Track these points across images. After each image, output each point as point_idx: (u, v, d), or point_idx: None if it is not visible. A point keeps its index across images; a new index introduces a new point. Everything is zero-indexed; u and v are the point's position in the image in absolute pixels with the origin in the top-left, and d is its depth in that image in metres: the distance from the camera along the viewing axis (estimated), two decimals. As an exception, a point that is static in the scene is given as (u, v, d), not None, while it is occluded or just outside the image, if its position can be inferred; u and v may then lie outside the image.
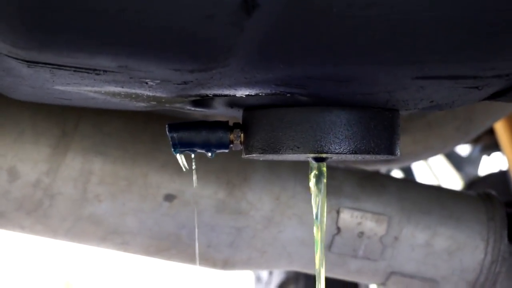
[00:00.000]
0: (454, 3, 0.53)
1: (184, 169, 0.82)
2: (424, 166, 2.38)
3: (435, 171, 2.41)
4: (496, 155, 2.30)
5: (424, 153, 1.45)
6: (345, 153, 0.68)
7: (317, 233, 0.81)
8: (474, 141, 2.12)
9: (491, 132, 1.91)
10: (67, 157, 0.90)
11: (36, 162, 0.90)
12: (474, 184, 2.07)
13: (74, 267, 7.59)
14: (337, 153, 0.68)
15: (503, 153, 1.92)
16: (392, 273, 1.02)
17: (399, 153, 0.71)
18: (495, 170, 2.24)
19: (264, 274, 2.27)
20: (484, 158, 2.40)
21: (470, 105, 1.34)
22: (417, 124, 1.33)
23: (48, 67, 0.58)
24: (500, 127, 1.85)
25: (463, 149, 2.40)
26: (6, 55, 0.56)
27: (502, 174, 2.02)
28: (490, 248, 1.02)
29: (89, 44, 0.54)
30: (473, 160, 2.42)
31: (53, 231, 0.95)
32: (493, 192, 1.09)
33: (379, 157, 0.70)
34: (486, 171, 2.35)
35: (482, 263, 1.02)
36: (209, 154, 0.76)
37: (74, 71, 0.59)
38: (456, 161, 2.41)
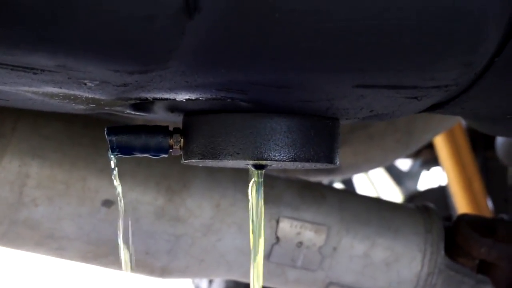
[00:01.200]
0: (393, 13, 0.53)
1: (112, 176, 0.81)
2: (365, 179, 2.40)
3: (376, 185, 2.43)
4: (435, 170, 2.33)
5: (365, 165, 1.46)
6: (285, 161, 0.67)
7: (254, 242, 0.81)
8: (414, 156, 2.14)
9: (431, 147, 1.94)
10: (4, 160, 0.89)
11: None
12: (414, 198, 2.10)
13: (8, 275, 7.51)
14: (276, 161, 0.68)
15: (443, 168, 1.94)
16: (330, 283, 1.02)
17: (338, 162, 0.71)
18: (435, 185, 2.27)
19: (203, 284, 2.26)
20: (424, 172, 2.43)
21: (410, 119, 1.36)
22: (358, 136, 1.34)
23: (-19, 64, 0.57)
24: (439, 142, 1.88)
25: (403, 164, 2.42)
26: None
27: (441, 189, 2.05)
28: (426, 260, 1.03)
29: (25, 41, 0.53)
30: (413, 175, 2.45)
31: None
32: (431, 205, 1.10)
33: (318, 165, 0.70)
34: (426, 186, 2.38)
35: (418, 275, 1.02)
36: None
37: (11, 69, 0.57)
38: (396, 175, 2.44)
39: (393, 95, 0.64)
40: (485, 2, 0.55)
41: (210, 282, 2.21)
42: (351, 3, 0.52)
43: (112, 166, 0.79)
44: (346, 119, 0.72)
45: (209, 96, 0.64)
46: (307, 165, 0.70)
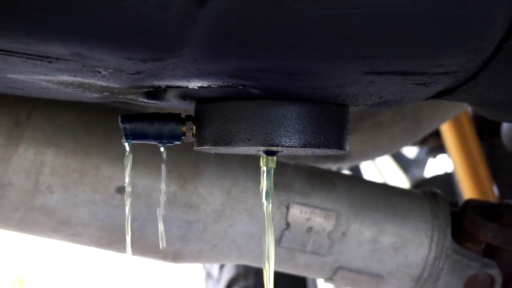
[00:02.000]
0: (404, 1, 0.53)
1: (127, 161, 0.81)
2: (372, 167, 2.40)
3: (383, 172, 2.43)
4: (441, 157, 2.33)
5: (373, 153, 1.46)
6: (295, 147, 0.67)
7: (266, 228, 0.81)
8: (421, 144, 2.14)
9: (437, 134, 1.94)
10: (20, 148, 0.89)
11: None
12: (420, 185, 2.09)
13: (26, 263, 7.53)
14: (287, 147, 0.68)
15: (449, 155, 1.94)
16: (339, 268, 1.02)
17: (348, 148, 0.71)
18: (441, 172, 2.27)
19: (214, 270, 2.27)
20: (430, 160, 2.43)
21: (417, 107, 1.35)
22: (367, 124, 1.34)
23: (0, 54, 0.57)
24: (445, 130, 1.87)
25: (410, 151, 2.42)
26: None
27: (447, 176, 2.05)
28: (434, 245, 1.03)
29: (41, 29, 0.53)
30: (419, 162, 2.44)
31: (4, 221, 0.94)
32: (438, 191, 1.10)
33: (328, 151, 0.70)
34: (432, 173, 2.37)
35: (426, 259, 1.03)
36: (161, 147, 0.76)
37: (27, 58, 0.57)
38: (403, 163, 2.43)
39: (402, 82, 0.64)
40: (490, 8, 0.55)
41: (221, 267, 2.21)
42: None
43: (127, 152, 0.79)
44: (355, 106, 0.72)
45: (220, 83, 0.64)
46: (318, 151, 0.71)
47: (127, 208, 0.85)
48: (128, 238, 0.90)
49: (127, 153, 0.79)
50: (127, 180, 0.85)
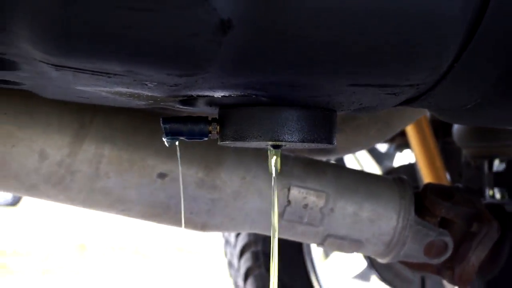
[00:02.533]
0: (376, 32, 0.53)
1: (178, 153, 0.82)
2: (352, 158, 2.40)
3: (361, 163, 2.43)
4: (406, 151, 2.32)
5: (354, 148, 1.46)
6: (295, 142, 0.68)
7: (273, 204, 0.82)
8: (390, 141, 2.13)
9: (403, 134, 1.93)
10: (84, 144, 0.90)
11: (60, 148, 0.89)
12: (390, 173, 2.09)
13: (87, 231, 7.51)
14: (289, 141, 0.68)
15: (412, 150, 1.94)
16: (328, 235, 1.03)
17: (335, 143, 0.71)
18: (406, 162, 2.26)
19: (231, 238, 2.26)
20: (398, 153, 2.42)
21: (388, 113, 1.35)
22: (349, 126, 1.34)
23: (72, 71, 0.57)
24: (409, 130, 1.87)
25: (382, 147, 2.41)
26: (40, 60, 0.56)
27: (410, 166, 2.04)
28: (400, 218, 1.03)
29: (103, 53, 0.54)
30: (389, 155, 2.44)
31: (71, 200, 0.95)
32: (405, 177, 1.10)
33: (320, 145, 0.70)
34: (399, 164, 2.37)
35: (395, 229, 1.03)
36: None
37: (92, 74, 0.58)
38: (377, 156, 2.43)
39: (377, 92, 0.64)
40: (447, 25, 0.55)
41: (237, 236, 2.21)
42: (343, 29, 0.52)
43: (178, 151, 0.80)
44: (341, 110, 0.72)
45: (238, 93, 0.64)
46: (312, 145, 0.70)
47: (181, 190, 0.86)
48: (182, 213, 0.91)
49: (177, 146, 0.80)
50: (180, 168, 0.87)
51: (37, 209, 11.91)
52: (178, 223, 0.97)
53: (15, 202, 12.85)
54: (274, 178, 0.78)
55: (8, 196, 12.73)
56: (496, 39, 0.58)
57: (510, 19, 0.57)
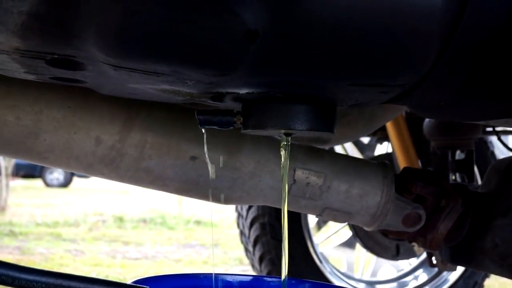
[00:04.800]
0: (372, 42, 0.53)
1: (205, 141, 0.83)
2: (341, 148, 2.39)
3: (348, 152, 2.42)
4: (385, 143, 2.32)
5: (344, 140, 1.45)
6: (304, 130, 0.68)
7: (282, 182, 0.82)
8: (373, 134, 2.13)
9: (383, 128, 1.93)
10: (131, 132, 0.90)
11: (112, 135, 0.89)
12: (374, 160, 2.08)
13: (124, 207, 7.48)
14: (299, 130, 0.68)
15: (390, 142, 1.94)
16: (326, 208, 1.02)
17: (335, 132, 0.71)
18: (384, 152, 2.26)
19: (243, 212, 2.27)
20: (378, 145, 2.42)
21: (373, 111, 1.35)
22: (341, 122, 1.33)
23: (127, 70, 0.58)
24: (389, 125, 1.87)
25: (365, 139, 2.41)
26: (102, 62, 0.56)
27: (389, 155, 2.04)
28: (384, 195, 1.03)
29: (154, 57, 0.54)
30: (371, 146, 2.43)
31: (121, 177, 0.95)
32: (387, 162, 1.10)
33: (324, 134, 0.70)
34: (379, 153, 2.37)
35: (379, 203, 1.03)
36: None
37: (143, 73, 0.58)
38: (361, 146, 2.43)
39: (371, 90, 0.64)
40: (427, 40, 0.55)
41: (248, 210, 2.22)
42: (344, 41, 0.52)
43: (204, 138, 0.81)
44: (341, 105, 0.72)
45: (259, 90, 0.64)
46: (317, 133, 0.70)
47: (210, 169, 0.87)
48: (209, 189, 0.91)
49: (204, 135, 0.80)
50: (206, 153, 0.87)
51: (83, 190, 11.91)
52: (206, 197, 0.98)
53: (66, 183, 12.89)
54: (285, 163, 0.78)
55: (61, 179, 12.77)
56: (468, 47, 0.58)
57: (479, 31, 0.57)
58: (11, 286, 0.54)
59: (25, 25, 0.50)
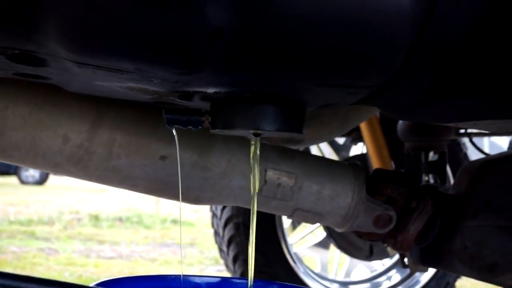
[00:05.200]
0: (336, 43, 0.53)
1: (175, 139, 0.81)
2: (316, 148, 2.39)
3: (323, 152, 2.43)
4: (360, 144, 2.33)
5: (318, 140, 1.45)
6: (272, 130, 0.67)
7: (253, 183, 0.81)
8: (347, 135, 2.14)
9: (357, 129, 1.94)
10: (100, 130, 0.88)
11: (80, 133, 0.88)
12: (346, 161, 2.09)
13: (100, 205, 7.44)
14: (267, 130, 0.67)
15: (364, 142, 1.94)
16: (297, 209, 1.02)
17: (304, 132, 0.71)
18: (359, 153, 2.27)
19: (218, 212, 2.26)
20: (353, 145, 2.43)
21: (346, 112, 1.35)
22: (315, 122, 1.33)
23: (91, 68, 0.57)
24: (363, 126, 1.87)
25: (340, 140, 2.42)
26: (65, 58, 0.55)
27: (363, 156, 2.05)
28: (355, 196, 1.02)
29: (117, 54, 0.53)
30: (346, 147, 2.44)
31: (89, 176, 0.93)
32: (358, 163, 1.10)
33: (293, 134, 0.70)
34: (353, 153, 2.37)
35: (350, 205, 1.02)
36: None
37: (108, 71, 0.57)
38: (336, 147, 2.43)
39: (339, 91, 0.64)
40: (395, 40, 0.55)
41: (222, 210, 2.21)
42: (308, 40, 0.52)
43: (175, 138, 0.80)
44: (310, 106, 0.72)
45: (226, 89, 0.63)
46: (286, 134, 0.70)
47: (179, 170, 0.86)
48: (180, 188, 0.90)
49: (175, 134, 0.79)
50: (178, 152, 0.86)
51: (59, 187, 11.78)
52: (176, 197, 0.97)
53: (42, 181, 12.73)
54: (254, 161, 0.77)
55: (36, 176, 12.61)
56: (434, 50, 0.58)
57: (448, 32, 0.57)
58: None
59: (-17, 19, 0.49)
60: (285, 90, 0.63)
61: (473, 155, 2.35)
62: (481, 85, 0.64)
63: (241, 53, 0.53)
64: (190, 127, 0.74)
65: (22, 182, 12.49)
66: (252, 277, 0.78)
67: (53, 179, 13.53)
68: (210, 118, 0.71)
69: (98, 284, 0.65)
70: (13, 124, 0.84)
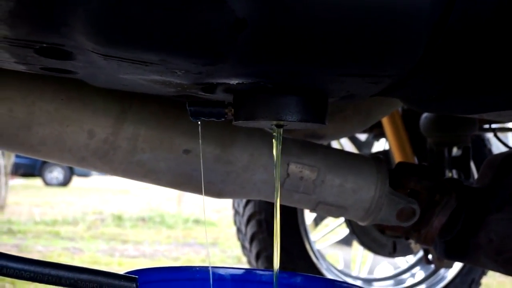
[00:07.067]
0: (359, 32, 0.53)
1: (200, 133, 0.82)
2: (338, 146, 2.39)
3: (345, 149, 2.42)
4: (382, 140, 2.32)
5: (340, 135, 1.45)
6: (295, 121, 0.67)
7: (275, 176, 0.82)
8: (369, 131, 2.13)
9: (380, 125, 1.93)
10: (124, 125, 0.90)
11: (105, 127, 0.89)
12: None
13: (123, 206, 7.47)
14: (290, 121, 0.67)
15: (386, 138, 1.94)
16: (319, 202, 1.02)
17: (327, 123, 0.71)
18: (381, 149, 2.26)
19: (240, 209, 2.26)
20: (375, 142, 2.42)
21: (368, 106, 1.35)
22: (337, 117, 1.33)
23: (116, 60, 0.58)
24: (385, 122, 1.87)
25: (362, 136, 2.41)
26: (91, 51, 0.56)
27: (386, 152, 2.04)
28: (378, 189, 1.03)
29: (141, 45, 0.54)
30: (368, 143, 2.43)
31: (114, 170, 0.95)
32: (381, 156, 1.10)
33: (315, 125, 0.69)
34: (376, 150, 2.36)
35: (373, 198, 1.03)
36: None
37: (132, 63, 0.58)
38: (357, 143, 2.42)
39: (361, 81, 0.63)
40: (417, 29, 0.55)
41: (244, 207, 2.21)
42: (333, 29, 0.52)
43: (199, 130, 0.80)
44: (332, 97, 0.72)
45: (249, 81, 0.64)
46: (308, 125, 0.70)
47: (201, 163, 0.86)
48: (203, 183, 0.91)
49: (199, 128, 0.79)
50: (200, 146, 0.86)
51: (82, 189, 11.90)
52: (199, 191, 0.97)
53: (65, 182, 12.87)
54: (276, 155, 0.78)
55: (60, 178, 12.76)
56: (459, 39, 0.58)
57: (468, 23, 0.57)
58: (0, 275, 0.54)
59: (13, 12, 0.50)
60: (308, 80, 0.63)
61: (498, 151, 2.32)
62: (505, 74, 0.64)
63: (264, 44, 0.54)
64: (213, 119, 0.74)
65: (47, 183, 12.65)
66: (278, 268, 0.79)
67: (76, 180, 13.67)
68: (232, 110, 0.72)
69: (127, 273, 0.66)
70: (39, 120, 0.86)
